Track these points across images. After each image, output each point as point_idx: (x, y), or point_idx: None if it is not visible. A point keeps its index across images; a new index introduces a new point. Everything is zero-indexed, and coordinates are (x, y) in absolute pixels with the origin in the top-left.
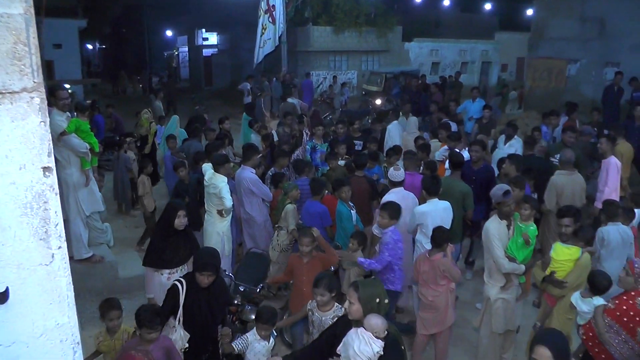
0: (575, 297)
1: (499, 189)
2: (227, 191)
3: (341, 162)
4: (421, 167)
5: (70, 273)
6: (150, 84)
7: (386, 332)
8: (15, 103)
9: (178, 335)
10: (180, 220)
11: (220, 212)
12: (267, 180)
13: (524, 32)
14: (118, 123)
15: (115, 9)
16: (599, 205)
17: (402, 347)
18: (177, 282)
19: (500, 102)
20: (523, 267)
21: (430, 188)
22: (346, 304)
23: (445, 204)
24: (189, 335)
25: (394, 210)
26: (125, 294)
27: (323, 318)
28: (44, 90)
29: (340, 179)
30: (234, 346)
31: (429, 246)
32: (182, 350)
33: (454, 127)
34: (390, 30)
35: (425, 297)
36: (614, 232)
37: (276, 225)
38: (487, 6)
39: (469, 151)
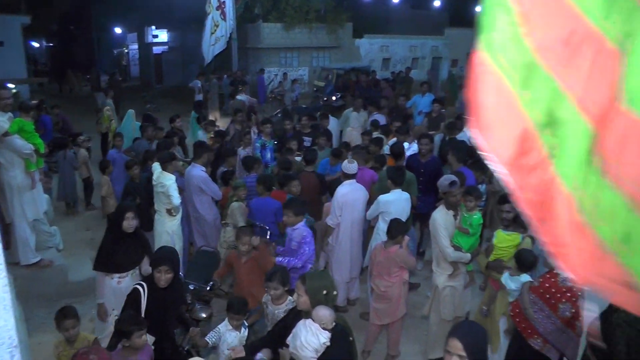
0: (505, 277)
1: (445, 179)
2: (174, 189)
3: (298, 158)
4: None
5: (6, 275)
6: (99, 82)
7: (334, 324)
8: None
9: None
10: (129, 223)
11: (169, 211)
12: (218, 178)
13: (473, 27)
14: (65, 123)
15: (61, 5)
16: None
17: (351, 339)
18: (137, 286)
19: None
20: (469, 255)
21: (396, 178)
22: (295, 295)
23: (407, 196)
24: (153, 339)
25: (297, 207)
26: (76, 299)
27: (276, 311)
28: None
29: (289, 174)
30: (207, 340)
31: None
32: None
33: (382, 120)
34: (340, 26)
35: (379, 287)
36: None
37: (223, 222)
38: (437, 3)
39: (417, 144)
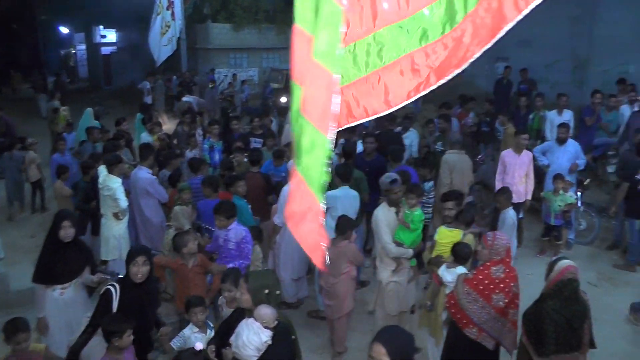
0: (442, 269)
1: (386, 177)
2: (121, 192)
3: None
4: None
5: None
6: (45, 84)
7: (276, 322)
8: None
9: None
10: (66, 232)
11: (116, 215)
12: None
13: None
14: (9, 126)
15: (3, 3)
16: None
17: (293, 337)
18: (110, 287)
19: None
20: (411, 251)
21: (343, 175)
22: (238, 294)
23: (354, 193)
24: None
25: (228, 210)
26: (19, 308)
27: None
28: None
29: (235, 175)
30: (172, 345)
31: None
32: None
33: None
34: (289, 27)
35: (327, 283)
36: (510, 215)
37: (166, 225)
38: None
39: (362, 143)
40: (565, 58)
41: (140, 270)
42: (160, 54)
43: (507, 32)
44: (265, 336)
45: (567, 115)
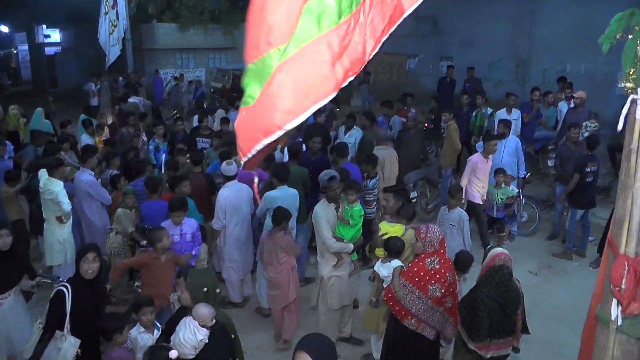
0: (377, 265)
1: (325, 174)
2: (63, 195)
3: None
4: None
5: None
6: None
7: (214, 321)
8: None
9: (69, 344)
10: (4, 240)
11: (59, 219)
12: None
13: None
14: None
15: None
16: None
17: (233, 336)
18: (61, 288)
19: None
20: (351, 245)
21: (280, 175)
22: (179, 292)
23: (293, 191)
24: (79, 341)
25: (184, 204)
26: None
27: None
28: None
29: (180, 175)
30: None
31: None
32: (74, 358)
33: None
34: (235, 27)
35: (269, 274)
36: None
37: (109, 228)
38: None
39: (310, 142)
40: (507, 57)
41: (91, 267)
42: (109, 54)
43: (451, 32)
44: (201, 335)
45: (516, 115)
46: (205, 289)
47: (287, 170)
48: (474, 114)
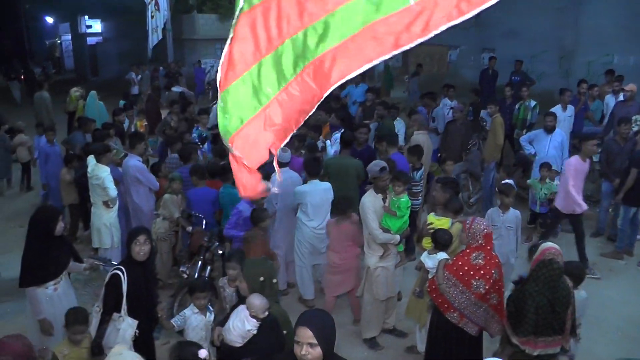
0: (424, 256)
1: (375, 164)
2: (110, 180)
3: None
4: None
5: None
6: (20, 73)
7: (266, 314)
8: None
9: (127, 324)
10: (60, 225)
11: (106, 204)
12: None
13: None
14: None
15: None
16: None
17: (285, 332)
18: (117, 271)
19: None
20: (398, 237)
21: (311, 170)
22: (237, 282)
23: (326, 185)
24: (137, 322)
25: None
26: (9, 297)
27: (234, 293)
28: None
29: (225, 164)
30: (173, 323)
31: (310, 223)
32: (133, 338)
33: None
34: None
35: (333, 261)
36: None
37: (155, 213)
38: None
39: (355, 132)
40: (551, 49)
41: (142, 249)
42: (150, 44)
43: (493, 24)
44: (250, 325)
45: (570, 111)
46: (261, 279)
47: (317, 165)
48: (517, 106)
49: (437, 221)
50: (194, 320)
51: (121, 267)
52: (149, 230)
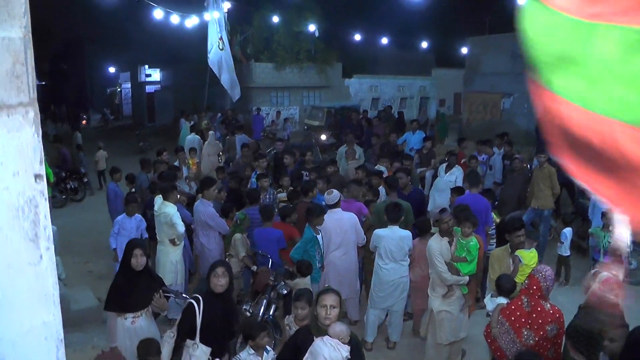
0: (487, 299)
1: (436, 207)
2: (178, 217)
3: (282, 195)
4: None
5: (56, 273)
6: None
7: (349, 337)
8: (12, 116)
9: (200, 351)
10: (137, 260)
11: (172, 241)
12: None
13: (459, 68)
14: (65, 158)
15: (55, 45)
16: None
17: (363, 350)
18: (192, 301)
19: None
20: (467, 278)
21: (390, 215)
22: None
23: (405, 234)
24: (210, 349)
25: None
26: (77, 327)
27: None
28: (37, 105)
29: (289, 206)
30: None
31: (385, 266)
32: None
33: None
34: (330, 66)
35: (414, 276)
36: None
37: (227, 254)
38: (424, 44)
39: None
40: None
41: (220, 281)
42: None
43: None
44: (345, 351)
45: None
46: None
47: (398, 211)
48: None
49: (530, 254)
50: None
51: (198, 296)
52: (228, 264)
